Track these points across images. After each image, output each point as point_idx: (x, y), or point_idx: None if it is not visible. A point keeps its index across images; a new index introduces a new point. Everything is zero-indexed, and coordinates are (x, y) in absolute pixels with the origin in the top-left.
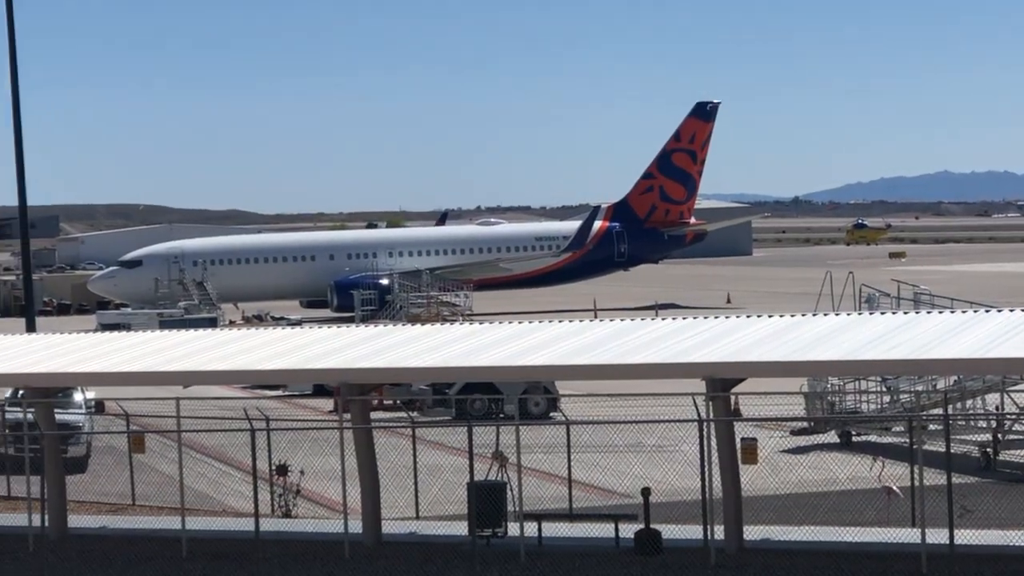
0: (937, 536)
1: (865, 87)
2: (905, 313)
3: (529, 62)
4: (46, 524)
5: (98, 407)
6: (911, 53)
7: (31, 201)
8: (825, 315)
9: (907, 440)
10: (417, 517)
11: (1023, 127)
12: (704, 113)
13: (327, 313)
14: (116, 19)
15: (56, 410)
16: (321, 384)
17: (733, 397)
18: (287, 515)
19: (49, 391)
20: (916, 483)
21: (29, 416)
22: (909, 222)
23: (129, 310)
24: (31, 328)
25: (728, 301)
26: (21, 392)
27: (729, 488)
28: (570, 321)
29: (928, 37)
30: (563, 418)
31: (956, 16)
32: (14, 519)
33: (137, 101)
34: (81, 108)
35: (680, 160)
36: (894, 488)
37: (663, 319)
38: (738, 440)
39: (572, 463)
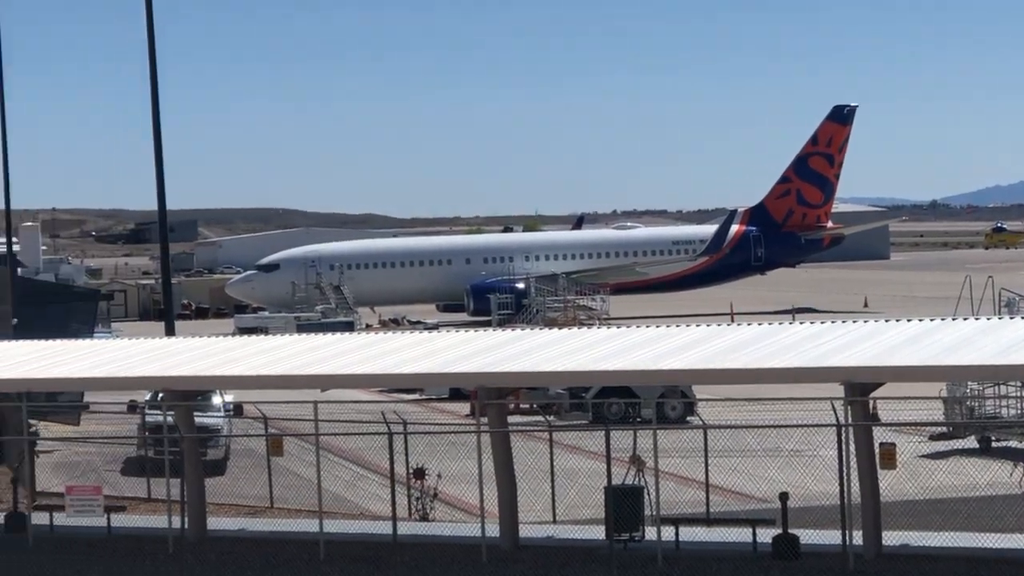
0: None
1: (1005, 88)
2: None
3: (664, 67)
4: (186, 526)
5: (237, 410)
6: None
7: (170, 206)
8: (964, 319)
9: None
10: (554, 521)
11: None
12: (841, 116)
13: (463, 317)
14: (254, 26)
15: (195, 413)
16: (458, 388)
17: (872, 401)
18: (424, 518)
19: (188, 394)
20: None
21: (169, 419)
22: None
23: (266, 314)
24: (170, 332)
25: (865, 305)
26: (161, 395)
27: (867, 493)
28: (707, 325)
29: None
30: (700, 422)
31: None
32: (155, 521)
33: (274, 107)
34: (219, 113)
35: (817, 164)
36: None
37: (800, 323)
38: (876, 445)
39: (709, 467)
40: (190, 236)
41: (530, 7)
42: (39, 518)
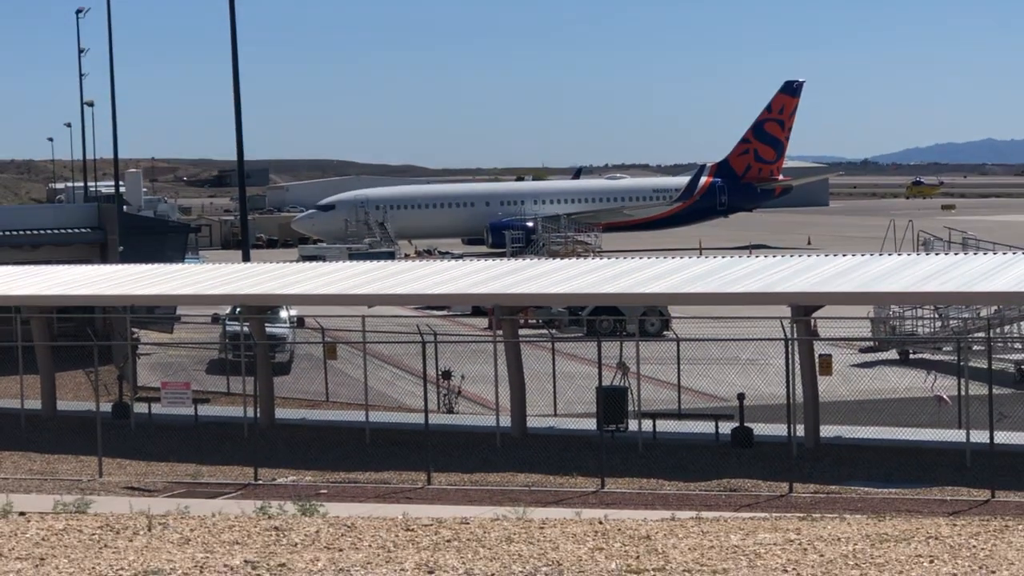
0: (979, 436)
1: (926, 64)
2: (955, 255)
3: (650, 46)
4: (258, 415)
5: (300, 322)
6: (966, 37)
7: (246, 156)
8: (889, 255)
9: (955, 358)
10: (555, 414)
11: None
12: (791, 90)
13: (483, 249)
14: (316, 9)
15: (266, 324)
16: (479, 306)
17: (813, 320)
18: (450, 411)
19: (261, 309)
20: (962, 393)
21: (245, 328)
22: (959, 180)
23: (324, 245)
24: (246, 258)
25: (809, 243)
26: (239, 309)
27: (809, 394)
28: (680, 258)
29: (978, 24)
30: (674, 336)
31: (989, 8)
32: (233, 411)
33: (333, 74)
34: (288, 78)
35: (771, 128)
36: (944, 397)
37: (756, 257)
38: (816, 355)
39: (681, 372)
40: (263, 181)
41: None
42: (140, 408)
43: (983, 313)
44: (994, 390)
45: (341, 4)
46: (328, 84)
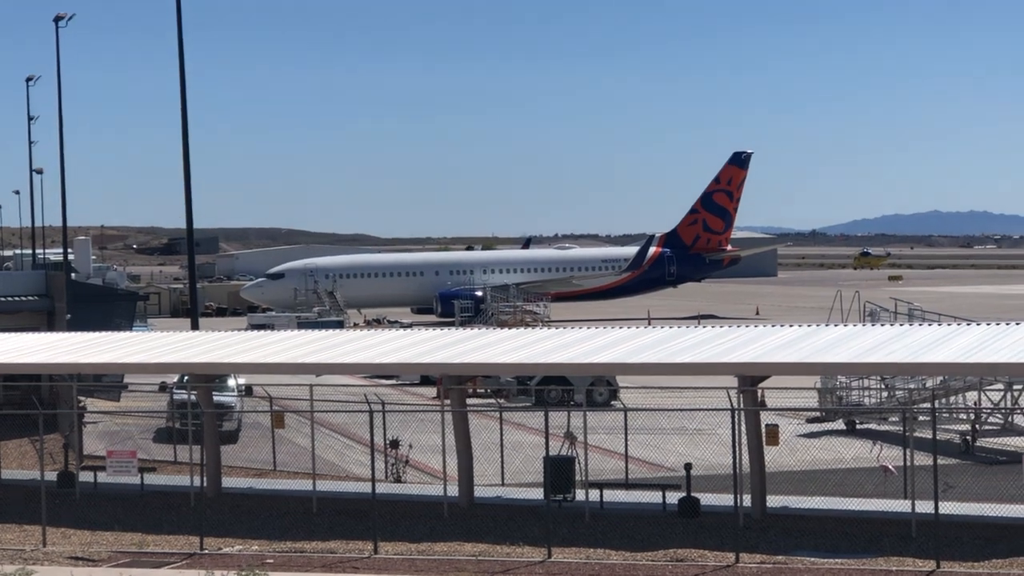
0: (925, 507)
1: (874, 136)
2: (901, 325)
3: (602, 115)
4: (205, 484)
5: (248, 391)
6: (912, 110)
7: (196, 224)
8: (836, 326)
9: (901, 428)
10: (503, 484)
11: (998, 175)
12: (739, 161)
13: (432, 318)
14: (268, 76)
15: (214, 392)
16: (427, 375)
17: (760, 391)
18: (398, 480)
19: (209, 377)
20: (908, 463)
21: (192, 397)
22: (905, 251)
23: (273, 313)
24: (195, 327)
25: (757, 313)
26: (186, 378)
27: (755, 464)
28: (629, 328)
29: (924, 96)
30: (622, 406)
31: (938, 83)
32: (179, 480)
33: (282, 146)
34: (237, 149)
35: (720, 199)
36: (890, 467)
37: (704, 327)
38: (763, 426)
39: (628, 442)
40: (212, 249)
41: (495, 56)
42: (85, 476)
43: (929, 384)
44: (939, 460)
45: (291, 74)
46: (278, 153)
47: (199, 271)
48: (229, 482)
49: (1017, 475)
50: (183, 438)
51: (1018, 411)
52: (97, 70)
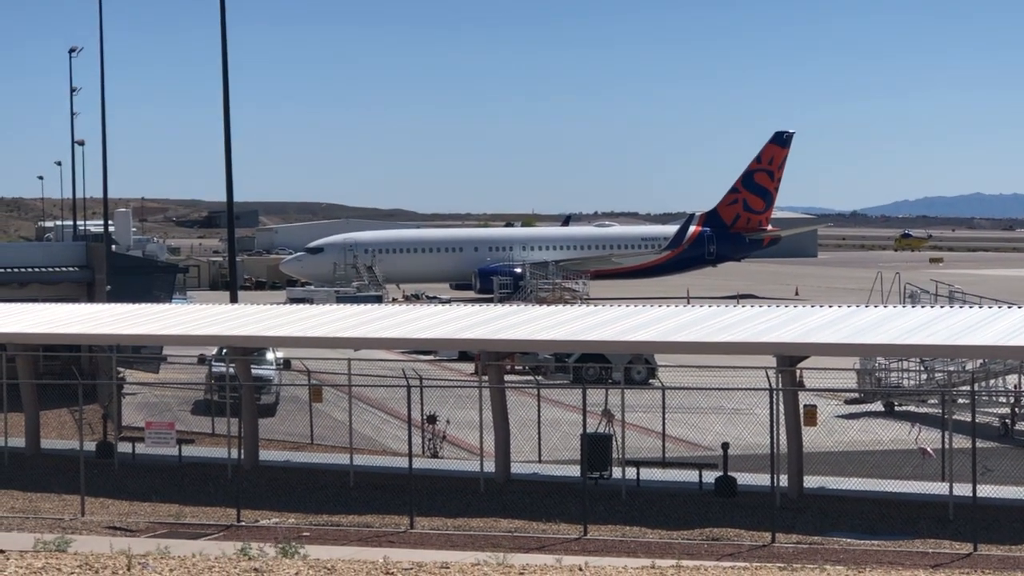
0: (962, 490)
1: (916, 117)
2: (941, 307)
3: (643, 93)
4: (242, 457)
5: (286, 364)
6: (955, 92)
7: (236, 198)
8: (876, 307)
9: (940, 411)
10: (540, 460)
11: None
12: (781, 141)
13: (471, 295)
14: (311, 52)
15: (252, 366)
16: (465, 351)
17: (798, 371)
18: (435, 456)
19: (248, 350)
20: (946, 446)
21: (231, 370)
22: (947, 233)
23: (312, 287)
24: (234, 300)
25: (796, 293)
26: (225, 351)
27: (793, 445)
28: (668, 306)
29: (968, 79)
30: (660, 384)
31: (981, 66)
32: (217, 452)
33: (324, 118)
34: (279, 121)
35: (760, 178)
36: (928, 449)
37: (743, 307)
38: (801, 406)
39: (666, 421)
40: (252, 223)
41: (528, 43)
42: (124, 447)
43: (968, 366)
44: (978, 444)
45: (334, 48)
46: (319, 127)
47: (239, 244)
48: (266, 455)
49: None
50: (221, 410)
51: None
52: (139, 41)
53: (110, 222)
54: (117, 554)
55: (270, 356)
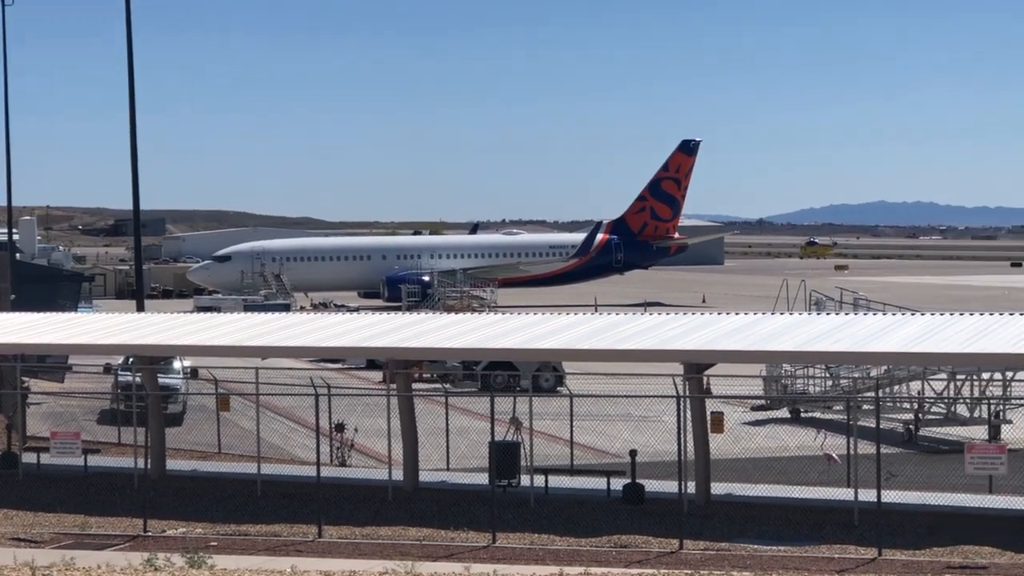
0: (867, 495)
1: (822, 126)
2: (846, 315)
3: (549, 100)
4: (148, 467)
5: (193, 373)
6: (860, 101)
7: (143, 206)
8: (781, 314)
9: (845, 417)
10: (448, 468)
11: (944, 165)
12: (688, 149)
13: (379, 303)
14: (221, 62)
15: (159, 375)
16: (373, 359)
17: (705, 378)
18: (343, 464)
19: (154, 359)
20: (852, 452)
21: (137, 379)
22: (852, 241)
23: (220, 296)
24: (140, 308)
25: (703, 301)
26: (131, 360)
27: (700, 451)
28: (575, 314)
29: (871, 90)
30: (568, 392)
31: (885, 74)
32: (123, 462)
33: (232, 126)
34: (186, 129)
35: (668, 186)
36: (833, 455)
37: (651, 314)
38: (708, 413)
39: (574, 428)
40: (159, 231)
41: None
42: (28, 457)
43: (873, 373)
44: (882, 449)
45: (242, 56)
46: (227, 135)
47: (145, 253)
48: (173, 464)
49: (959, 464)
50: (127, 420)
51: (961, 401)
52: (44, 48)
53: (14, 230)
54: (21, 566)
55: (177, 365)
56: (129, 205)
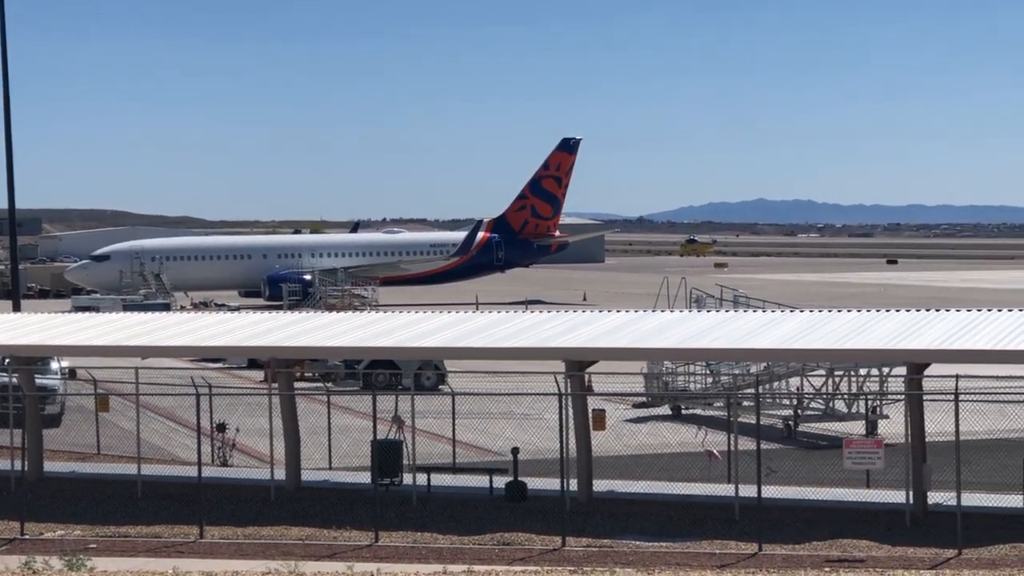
0: (747, 491)
1: (699, 124)
2: (726, 312)
3: (430, 99)
4: (25, 468)
5: (71, 374)
6: (740, 100)
7: (18, 204)
8: (662, 312)
9: (725, 413)
10: (330, 468)
11: (822, 165)
12: (568, 147)
13: (260, 302)
14: (99, 40)
15: (36, 375)
16: (254, 359)
17: (587, 376)
18: (224, 464)
19: (31, 360)
20: (732, 448)
21: (13, 380)
22: (731, 239)
23: (98, 295)
24: (16, 308)
25: (584, 299)
26: (7, 360)
27: (582, 449)
28: (456, 312)
29: (752, 89)
30: (449, 390)
31: (765, 73)
32: (0, 464)
33: (109, 124)
34: (63, 126)
35: (548, 184)
36: (714, 452)
37: (532, 312)
38: (590, 410)
39: (456, 426)
40: (35, 231)
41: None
42: None
43: (753, 369)
44: (762, 445)
45: (119, 55)
46: (104, 132)
47: (21, 252)
48: (51, 466)
49: (837, 459)
50: (3, 421)
51: (838, 396)
52: None
53: None
54: None
55: (54, 365)
56: (4, 204)
